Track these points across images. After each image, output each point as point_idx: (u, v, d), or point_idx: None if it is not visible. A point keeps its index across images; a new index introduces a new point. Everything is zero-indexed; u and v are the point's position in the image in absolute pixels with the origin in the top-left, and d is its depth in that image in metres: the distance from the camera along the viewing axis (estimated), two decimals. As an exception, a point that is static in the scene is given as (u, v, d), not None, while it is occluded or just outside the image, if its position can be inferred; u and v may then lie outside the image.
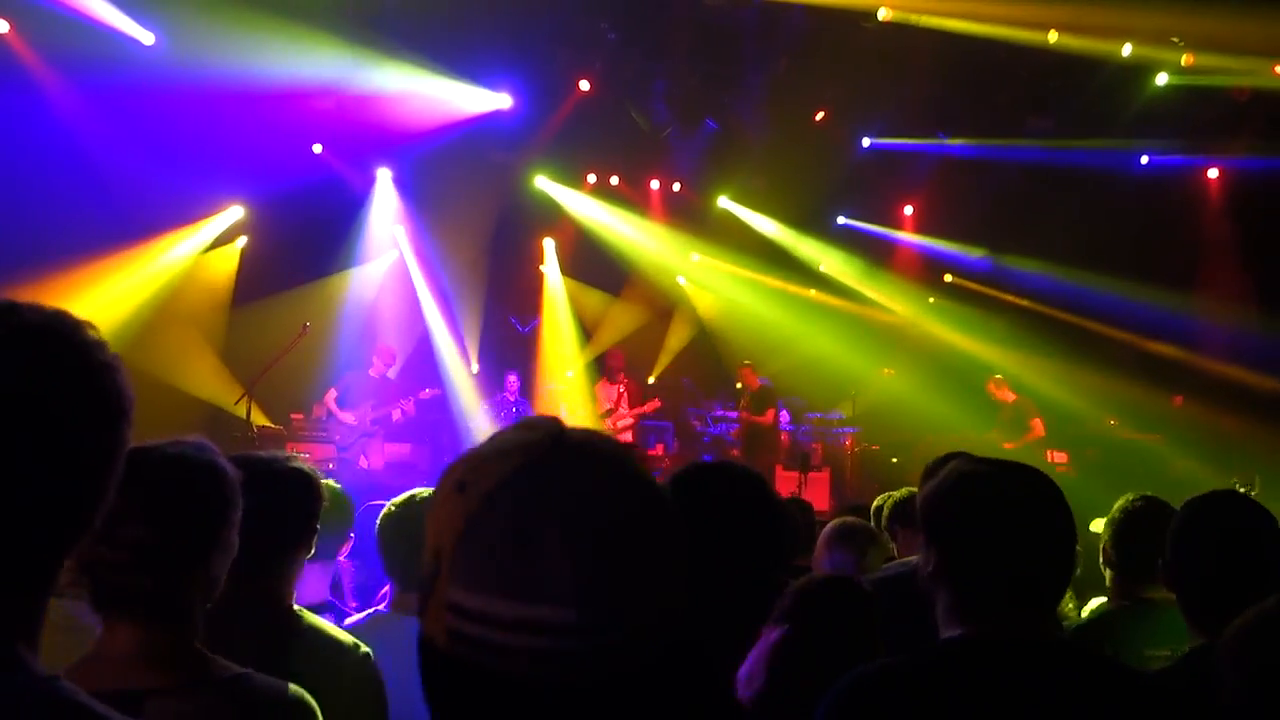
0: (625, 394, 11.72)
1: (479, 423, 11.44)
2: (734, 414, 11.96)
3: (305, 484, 2.22)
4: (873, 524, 4.35)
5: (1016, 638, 1.68)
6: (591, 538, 0.87)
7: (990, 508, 1.72)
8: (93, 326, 1.08)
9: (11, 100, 9.18)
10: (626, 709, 0.89)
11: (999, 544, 1.70)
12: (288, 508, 2.15)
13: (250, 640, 1.92)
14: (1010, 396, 10.84)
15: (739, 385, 12.06)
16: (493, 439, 0.95)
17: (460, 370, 12.07)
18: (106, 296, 10.07)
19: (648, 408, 11.85)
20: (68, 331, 1.05)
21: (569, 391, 12.42)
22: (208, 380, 10.89)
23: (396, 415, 10.33)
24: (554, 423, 0.94)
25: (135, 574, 1.58)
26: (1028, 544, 1.70)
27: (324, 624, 2.19)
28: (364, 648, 2.18)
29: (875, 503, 4.55)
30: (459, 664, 0.89)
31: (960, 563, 1.73)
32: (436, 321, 12.37)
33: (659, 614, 0.90)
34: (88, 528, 1.06)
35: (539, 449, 0.91)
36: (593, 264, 13.24)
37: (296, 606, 2.21)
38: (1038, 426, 10.57)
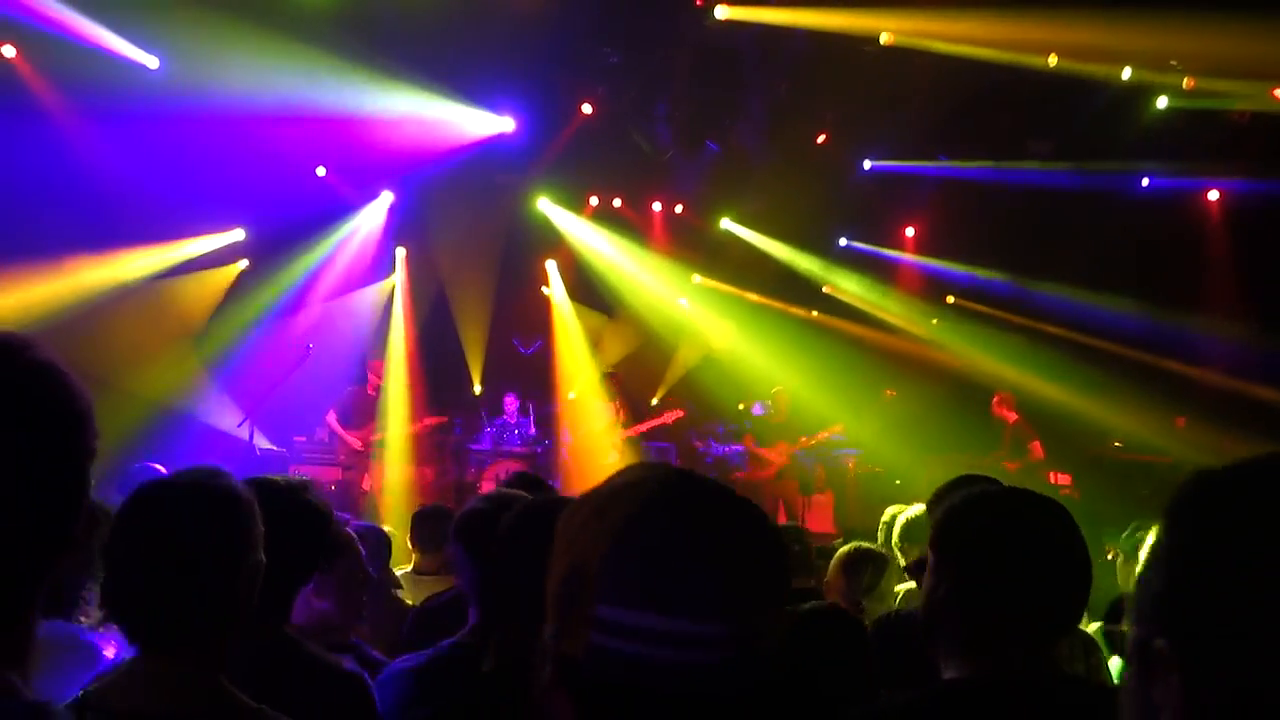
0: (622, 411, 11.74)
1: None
2: (739, 447, 11.90)
3: (317, 521, 2.19)
4: (880, 537, 4.37)
5: (1024, 677, 1.63)
6: (735, 557, 0.94)
7: (1010, 534, 1.67)
8: (37, 342, 1.06)
9: (16, 123, 9.23)
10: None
11: (1018, 572, 1.65)
12: (295, 543, 2.09)
13: (246, 666, 1.92)
14: (1012, 417, 10.80)
15: (741, 406, 12.04)
16: (617, 475, 1.03)
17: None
18: (98, 316, 10.03)
19: (668, 417, 11.74)
20: (10, 346, 1.03)
21: (573, 412, 12.38)
22: (209, 403, 10.89)
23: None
24: (665, 464, 1.03)
25: (162, 604, 1.60)
26: (1048, 573, 1.65)
27: (320, 651, 2.17)
28: (361, 674, 2.16)
29: (885, 516, 4.54)
30: (600, 679, 0.93)
31: (974, 590, 1.67)
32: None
33: (777, 633, 0.97)
34: (64, 545, 1.04)
35: (667, 480, 0.99)
36: (594, 286, 13.27)
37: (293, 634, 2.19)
38: (1036, 449, 10.51)
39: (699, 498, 0.97)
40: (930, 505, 2.95)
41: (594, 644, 0.92)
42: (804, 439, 11.16)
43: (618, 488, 0.99)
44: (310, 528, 2.17)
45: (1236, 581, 0.78)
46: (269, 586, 2.02)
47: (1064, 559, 1.68)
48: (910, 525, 3.78)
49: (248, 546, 1.66)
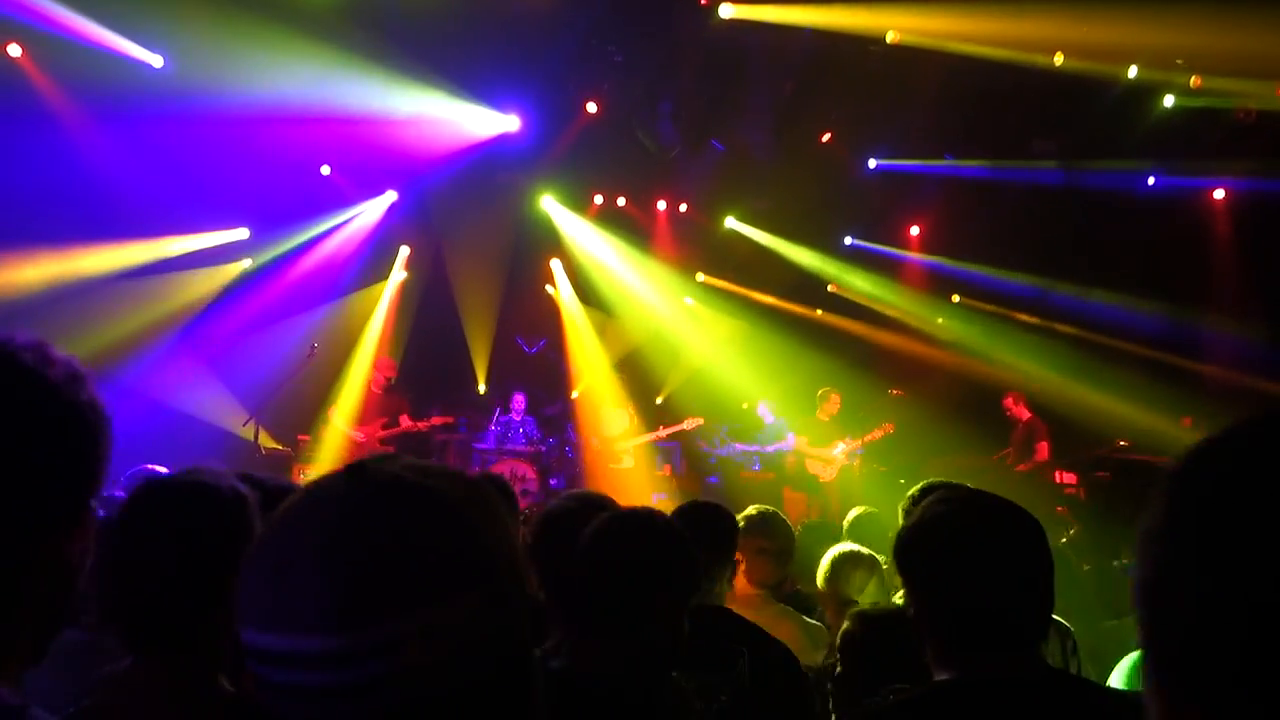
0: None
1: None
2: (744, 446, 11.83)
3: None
4: (845, 537, 4.35)
5: (1001, 677, 1.67)
6: (342, 563, 0.83)
7: (959, 550, 1.72)
8: (47, 349, 1.03)
9: (22, 121, 9.24)
10: None
11: (969, 587, 1.70)
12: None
13: (230, 668, 1.89)
14: (1025, 415, 10.74)
15: (745, 406, 12.01)
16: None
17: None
18: (97, 313, 10.00)
19: (688, 424, 11.62)
20: (14, 355, 1.01)
21: (588, 414, 12.37)
22: (213, 404, 10.88)
23: (421, 427, 10.34)
24: (356, 465, 0.90)
25: (164, 606, 1.55)
26: (999, 585, 1.69)
27: None
28: None
29: (848, 519, 4.52)
30: (266, 712, 0.86)
31: (936, 606, 1.73)
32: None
33: (433, 644, 0.83)
34: (64, 557, 1.02)
35: (328, 481, 0.90)
36: (595, 286, 13.27)
37: None
38: (1043, 450, 10.46)
39: (334, 500, 0.87)
40: (902, 517, 2.95)
41: (251, 670, 0.87)
42: (851, 439, 10.92)
43: (292, 496, 0.92)
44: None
45: (1223, 572, 0.62)
46: None
47: (1020, 567, 1.71)
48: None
49: (249, 542, 1.63)
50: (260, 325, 11.28)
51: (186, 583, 1.56)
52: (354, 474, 0.88)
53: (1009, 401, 10.84)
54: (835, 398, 10.97)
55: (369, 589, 0.82)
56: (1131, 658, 2.83)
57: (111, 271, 10.27)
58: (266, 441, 9.97)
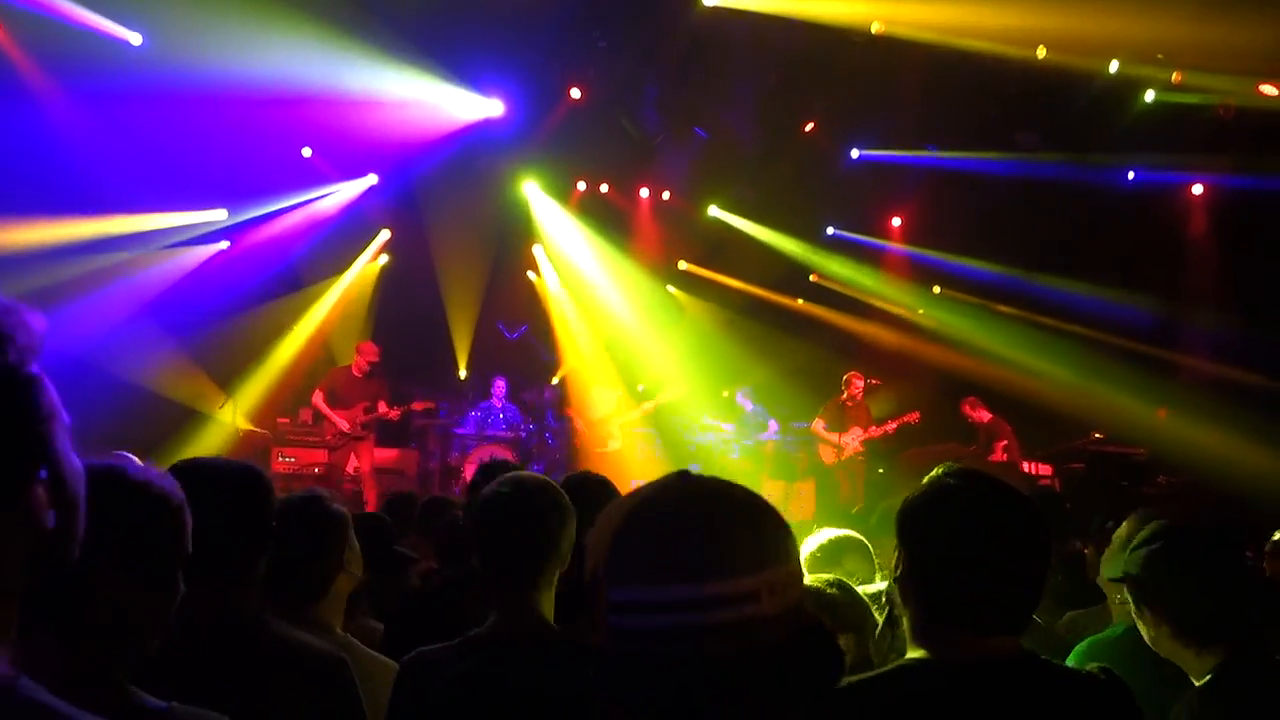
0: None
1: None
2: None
3: (253, 482, 2.09)
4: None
5: (975, 658, 1.67)
6: (708, 529, 1.08)
7: (962, 523, 1.71)
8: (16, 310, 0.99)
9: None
10: (771, 678, 1.07)
11: (963, 563, 1.69)
12: (236, 510, 2.01)
13: (211, 652, 1.86)
14: (985, 417, 10.75)
15: (725, 394, 12.05)
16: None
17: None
18: (74, 294, 9.89)
19: (664, 398, 11.46)
20: None
21: (575, 397, 12.37)
22: (189, 386, 10.81)
23: (393, 415, 10.27)
24: (680, 471, 1.19)
25: (54, 588, 1.43)
26: (992, 567, 1.68)
27: (293, 632, 2.08)
28: (340, 654, 2.08)
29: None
30: (623, 659, 1.06)
31: (926, 577, 1.73)
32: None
33: (774, 597, 1.08)
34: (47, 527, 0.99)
35: (667, 480, 1.15)
36: (579, 272, 13.25)
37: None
38: (998, 451, 10.49)
39: (689, 487, 1.14)
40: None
41: (611, 626, 1.08)
42: (874, 428, 10.81)
43: (630, 494, 1.16)
44: (243, 495, 2.06)
45: None
46: (218, 565, 1.93)
47: (1018, 555, 1.71)
48: None
49: (140, 538, 1.52)
50: (238, 307, 11.20)
51: (80, 567, 1.45)
52: (683, 477, 1.16)
53: (966, 408, 10.83)
54: (858, 382, 10.90)
55: (733, 551, 1.07)
56: (1081, 644, 2.86)
57: (82, 242, 10.11)
58: (244, 424, 9.93)
